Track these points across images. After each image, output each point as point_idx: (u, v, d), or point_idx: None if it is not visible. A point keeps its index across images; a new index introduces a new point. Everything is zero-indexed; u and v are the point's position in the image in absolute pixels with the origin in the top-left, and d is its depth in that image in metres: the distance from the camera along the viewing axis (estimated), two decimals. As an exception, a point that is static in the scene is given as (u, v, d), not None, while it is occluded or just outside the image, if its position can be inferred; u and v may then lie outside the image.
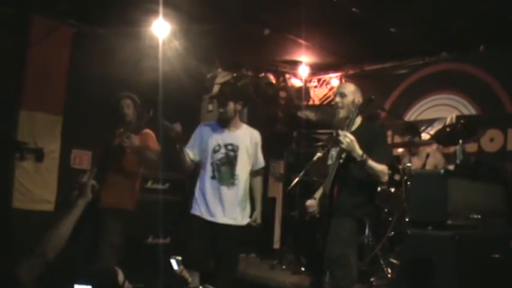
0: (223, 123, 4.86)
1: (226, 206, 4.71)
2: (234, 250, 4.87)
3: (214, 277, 4.71)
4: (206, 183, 4.77)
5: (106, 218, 4.93)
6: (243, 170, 4.80)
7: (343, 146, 3.85)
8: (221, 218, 4.70)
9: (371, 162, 3.87)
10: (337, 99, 4.21)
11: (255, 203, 4.94)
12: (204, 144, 4.86)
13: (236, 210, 4.76)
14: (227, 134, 4.84)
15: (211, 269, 4.79)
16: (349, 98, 4.17)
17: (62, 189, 6.62)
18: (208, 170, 4.79)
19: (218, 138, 4.82)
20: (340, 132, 3.92)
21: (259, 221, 4.88)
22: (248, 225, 4.84)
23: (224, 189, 4.73)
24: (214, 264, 4.81)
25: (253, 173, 4.95)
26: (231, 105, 4.79)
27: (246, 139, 4.86)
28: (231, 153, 4.76)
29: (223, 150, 4.77)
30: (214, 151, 4.77)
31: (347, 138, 3.84)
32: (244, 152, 4.80)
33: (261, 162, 4.96)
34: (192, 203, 4.87)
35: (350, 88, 4.27)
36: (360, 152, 3.84)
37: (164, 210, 6.31)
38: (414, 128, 6.57)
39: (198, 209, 4.78)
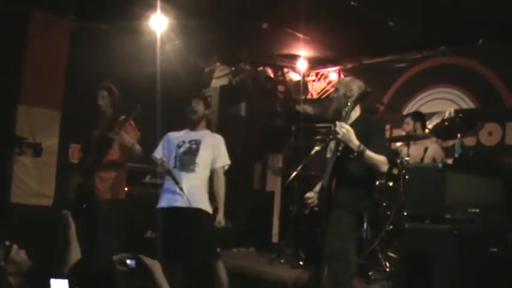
0: (191, 126, 5.19)
1: (185, 189, 4.85)
2: (207, 233, 4.92)
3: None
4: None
5: (101, 210, 5.01)
6: (203, 161, 5.04)
7: (339, 136, 3.83)
8: (184, 202, 4.85)
9: (369, 153, 3.83)
10: (333, 95, 4.25)
11: (218, 203, 5.05)
12: (169, 144, 5.18)
13: (196, 193, 4.92)
14: (192, 133, 5.17)
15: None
16: (340, 91, 4.18)
17: (60, 183, 6.62)
18: (171, 163, 5.03)
19: (183, 137, 5.16)
20: (337, 123, 3.91)
21: (223, 223, 4.98)
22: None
23: (184, 174, 4.93)
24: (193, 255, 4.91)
25: (216, 171, 5.12)
26: (201, 107, 5.16)
27: (208, 137, 5.17)
28: (194, 146, 5.05)
29: (186, 145, 5.08)
30: (178, 146, 5.08)
31: (343, 128, 3.82)
32: (207, 146, 5.07)
33: (224, 158, 5.17)
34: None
35: (344, 81, 4.30)
36: (356, 142, 3.81)
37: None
38: (421, 114, 6.59)
39: (161, 201, 5.02)
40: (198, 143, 5.05)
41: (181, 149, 5.04)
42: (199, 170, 4.99)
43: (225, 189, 5.12)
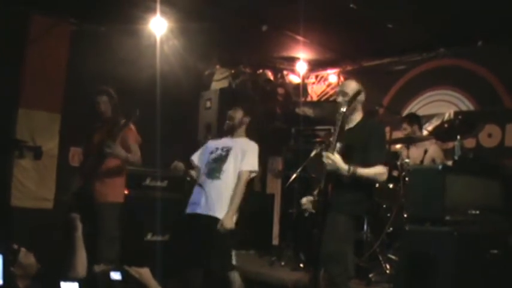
0: (228, 132, 5.08)
1: (209, 198, 4.74)
2: (220, 243, 4.70)
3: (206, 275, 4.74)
4: (199, 181, 4.93)
5: (101, 213, 5.02)
6: (231, 168, 4.83)
7: (327, 168, 3.86)
8: (203, 209, 4.73)
9: (361, 171, 3.85)
10: (339, 98, 4.16)
11: (229, 205, 4.75)
12: (206, 150, 5.11)
13: (219, 204, 4.73)
14: (228, 140, 5.05)
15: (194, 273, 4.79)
16: (350, 96, 4.11)
17: (60, 187, 6.62)
18: (203, 170, 4.97)
19: (219, 144, 5.06)
20: (323, 153, 3.93)
21: (226, 226, 4.65)
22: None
23: (209, 181, 4.82)
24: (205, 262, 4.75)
25: (239, 174, 4.84)
26: (238, 115, 5.03)
27: (241, 144, 4.97)
28: (224, 153, 4.92)
29: (218, 152, 4.96)
30: (211, 153, 5.00)
31: (329, 159, 3.84)
32: (236, 153, 4.88)
33: (251, 163, 4.87)
34: None
35: (352, 86, 4.19)
36: (345, 167, 3.83)
37: (163, 208, 6.33)
38: (416, 117, 6.61)
39: (187, 207, 4.91)
40: (228, 149, 4.91)
41: (213, 156, 4.96)
42: (224, 177, 4.79)
43: (242, 196, 4.82)
